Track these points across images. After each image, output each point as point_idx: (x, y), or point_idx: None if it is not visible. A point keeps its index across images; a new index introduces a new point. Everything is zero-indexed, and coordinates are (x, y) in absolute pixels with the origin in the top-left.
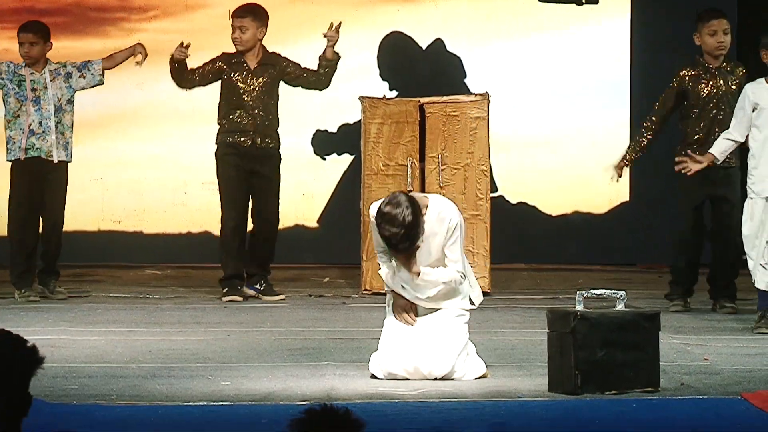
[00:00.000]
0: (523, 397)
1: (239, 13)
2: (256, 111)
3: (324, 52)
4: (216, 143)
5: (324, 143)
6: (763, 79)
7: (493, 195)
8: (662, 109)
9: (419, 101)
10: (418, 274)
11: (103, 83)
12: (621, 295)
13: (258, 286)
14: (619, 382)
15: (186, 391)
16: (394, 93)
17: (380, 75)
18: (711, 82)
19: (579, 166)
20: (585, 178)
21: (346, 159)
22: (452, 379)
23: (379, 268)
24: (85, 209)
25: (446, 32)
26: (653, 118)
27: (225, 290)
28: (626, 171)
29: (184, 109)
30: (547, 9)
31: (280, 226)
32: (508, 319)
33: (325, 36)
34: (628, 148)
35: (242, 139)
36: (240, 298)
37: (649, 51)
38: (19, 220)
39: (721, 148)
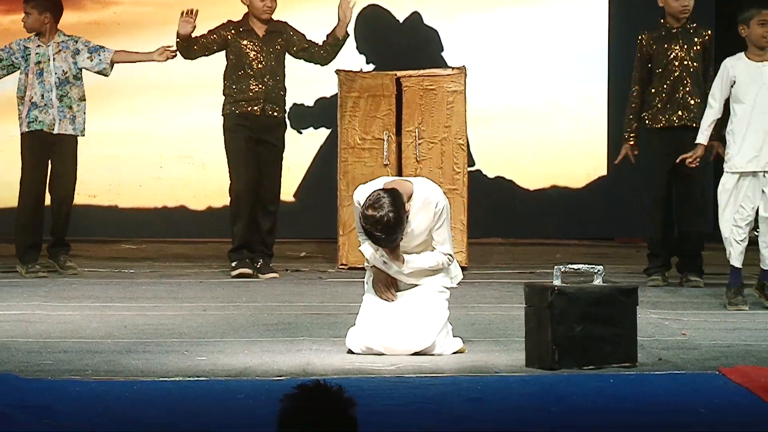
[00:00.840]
0: (501, 372)
1: None
2: (266, 79)
3: (335, 29)
4: (223, 114)
5: (300, 117)
6: (742, 54)
7: (470, 169)
8: (638, 79)
9: (396, 75)
10: (404, 262)
11: (107, 75)
12: (599, 270)
13: (256, 265)
14: (597, 357)
15: (161, 366)
16: (371, 66)
17: (357, 48)
18: (673, 44)
19: (557, 139)
20: (563, 152)
21: (323, 133)
22: (431, 355)
23: (359, 244)
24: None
25: (423, 5)
26: (634, 93)
27: (234, 263)
28: (604, 145)
29: (160, 83)
30: None
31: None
32: (485, 294)
33: (339, 12)
34: (625, 128)
35: (253, 108)
36: (250, 272)
37: (627, 23)
38: (27, 193)
39: (706, 133)
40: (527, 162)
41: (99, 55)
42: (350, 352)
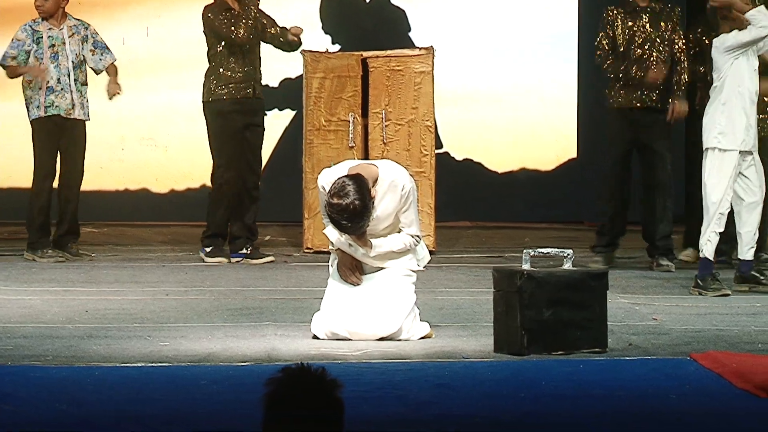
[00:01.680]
0: (469, 357)
1: None
2: (254, 60)
3: (288, 34)
4: (211, 96)
5: (265, 98)
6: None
7: (438, 151)
8: (607, 52)
9: (362, 55)
10: (371, 247)
11: (97, 74)
12: (568, 254)
13: (244, 251)
14: (566, 343)
15: (124, 351)
16: (337, 47)
17: (322, 28)
18: (637, 22)
19: (526, 121)
20: (532, 134)
21: (288, 114)
22: (397, 340)
23: (323, 227)
24: (21, 166)
25: None
26: (610, 60)
27: (209, 249)
28: (573, 128)
29: (119, 62)
30: None
31: None
32: (453, 278)
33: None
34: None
35: (247, 91)
36: (225, 260)
37: (597, 5)
38: (44, 179)
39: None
40: (496, 144)
41: (101, 55)
42: (315, 337)
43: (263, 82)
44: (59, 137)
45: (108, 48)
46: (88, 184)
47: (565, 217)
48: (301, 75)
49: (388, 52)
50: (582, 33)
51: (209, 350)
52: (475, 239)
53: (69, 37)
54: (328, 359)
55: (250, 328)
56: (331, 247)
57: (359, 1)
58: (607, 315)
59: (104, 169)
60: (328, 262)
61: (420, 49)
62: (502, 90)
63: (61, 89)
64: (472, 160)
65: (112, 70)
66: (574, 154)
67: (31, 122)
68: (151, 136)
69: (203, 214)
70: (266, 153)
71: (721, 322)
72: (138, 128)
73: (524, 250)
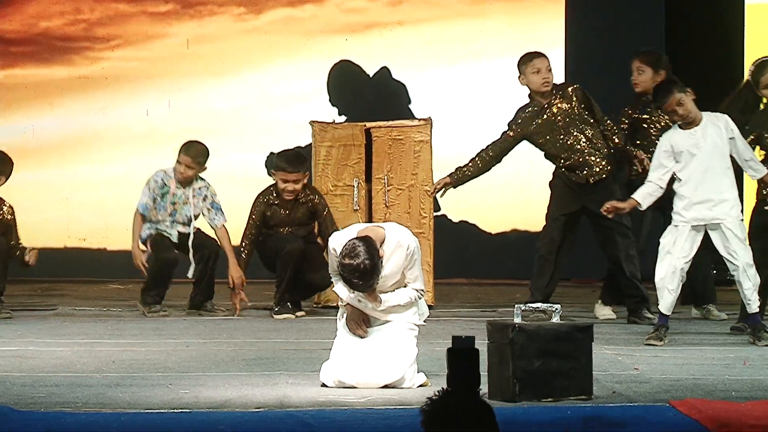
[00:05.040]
0: None
1: None
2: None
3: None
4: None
5: None
6: (676, 126)
7: (435, 214)
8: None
9: (366, 125)
10: (380, 302)
11: (211, 227)
12: (556, 309)
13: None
14: (555, 390)
15: (147, 398)
16: (343, 118)
17: (330, 101)
18: (547, 115)
19: (516, 186)
20: (522, 198)
21: None
22: (400, 388)
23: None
24: (51, 227)
25: (391, 61)
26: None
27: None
28: None
29: (143, 132)
30: (486, 39)
31: (235, 242)
32: (450, 330)
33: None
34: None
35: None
36: (293, 317)
37: (582, 77)
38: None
39: (643, 192)
40: (489, 207)
41: (215, 215)
42: (324, 385)
43: (276, 149)
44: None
45: (221, 209)
46: (115, 244)
47: None
48: (311, 144)
49: (390, 122)
50: None
51: (226, 397)
52: (470, 295)
53: (192, 197)
54: (335, 405)
55: (263, 376)
56: (340, 302)
57: (363, 75)
58: (592, 365)
59: (130, 231)
60: (335, 316)
61: (419, 120)
62: None
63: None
64: (467, 222)
65: (224, 238)
66: None
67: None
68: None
69: (222, 273)
70: None
71: (697, 372)
72: None
73: (516, 305)
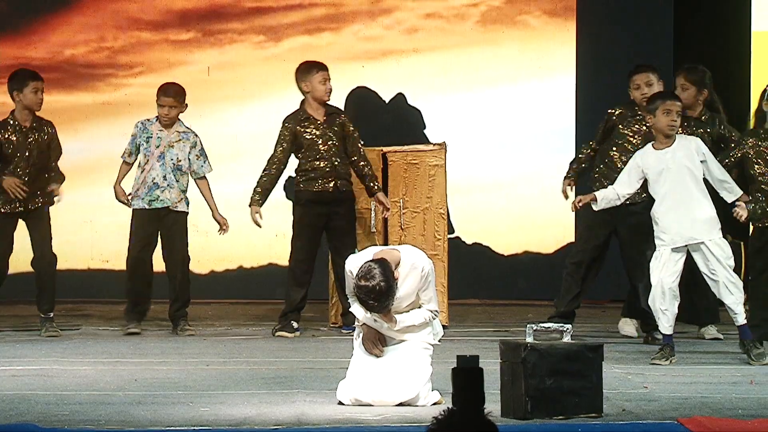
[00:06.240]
0: None
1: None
2: (330, 158)
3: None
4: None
5: None
6: (649, 145)
7: (450, 236)
8: (596, 143)
9: (382, 150)
10: (396, 323)
11: (193, 179)
12: (567, 328)
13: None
14: (566, 408)
15: (169, 416)
16: (360, 142)
17: None
18: (639, 126)
19: (529, 208)
20: (534, 221)
21: None
22: (415, 405)
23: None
24: (76, 249)
25: (407, 87)
26: (587, 150)
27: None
28: (571, 215)
29: None
30: (499, 66)
31: (256, 264)
32: (463, 349)
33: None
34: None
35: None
36: (290, 335)
37: (592, 103)
38: (135, 263)
39: (605, 193)
40: (502, 229)
41: (203, 163)
42: (340, 403)
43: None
44: (158, 227)
45: (207, 158)
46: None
47: None
48: None
49: (405, 147)
50: (579, 128)
51: (245, 415)
52: (483, 315)
53: (176, 141)
54: (352, 423)
55: (281, 395)
56: (357, 322)
57: (379, 101)
58: (602, 383)
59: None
60: (352, 335)
61: (434, 144)
62: (508, 180)
63: (167, 185)
64: (480, 244)
65: (206, 191)
66: (572, 238)
67: (133, 211)
68: (194, 222)
69: (238, 293)
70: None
71: (705, 390)
72: None
73: (528, 325)
